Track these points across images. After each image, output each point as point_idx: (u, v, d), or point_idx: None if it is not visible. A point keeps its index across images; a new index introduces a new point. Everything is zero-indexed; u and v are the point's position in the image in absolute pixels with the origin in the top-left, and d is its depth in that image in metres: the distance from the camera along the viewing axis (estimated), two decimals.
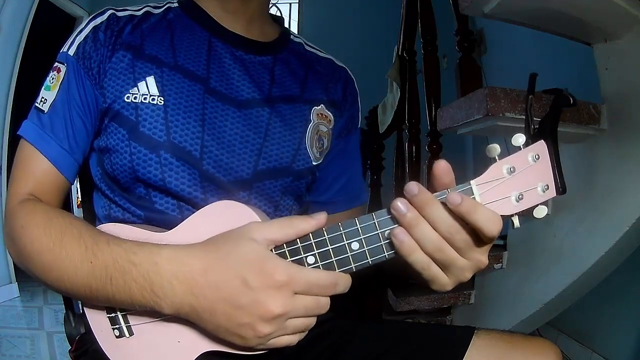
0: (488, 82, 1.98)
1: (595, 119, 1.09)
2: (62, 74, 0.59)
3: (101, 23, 0.61)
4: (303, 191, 0.69)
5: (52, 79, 0.60)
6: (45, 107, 0.59)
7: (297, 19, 4.09)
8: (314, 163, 0.67)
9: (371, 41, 3.53)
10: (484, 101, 1.00)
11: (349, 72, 0.77)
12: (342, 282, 0.45)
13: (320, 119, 0.68)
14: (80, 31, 0.61)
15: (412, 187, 0.42)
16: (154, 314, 0.50)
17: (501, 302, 1.43)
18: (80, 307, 0.54)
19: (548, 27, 1.17)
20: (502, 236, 1.56)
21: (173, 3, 0.67)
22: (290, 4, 4.11)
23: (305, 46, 0.75)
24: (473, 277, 1.72)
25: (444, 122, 1.26)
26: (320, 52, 0.76)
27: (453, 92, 1.75)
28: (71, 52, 0.60)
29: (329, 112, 0.70)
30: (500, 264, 1.43)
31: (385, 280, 0.72)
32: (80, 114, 0.59)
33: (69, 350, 0.65)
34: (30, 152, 0.58)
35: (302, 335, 0.47)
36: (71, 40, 0.61)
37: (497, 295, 1.46)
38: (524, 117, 0.85)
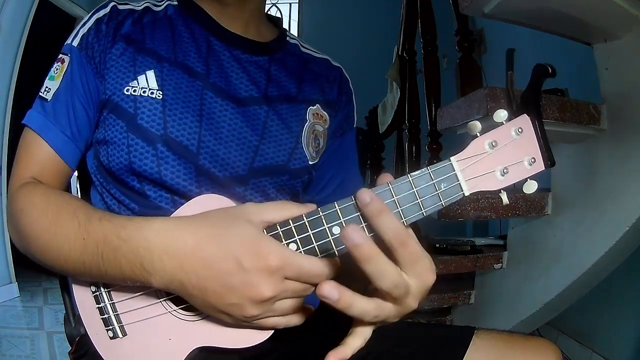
0: (488, 82, 1.98)
1: (595, 119, 1.09)
2: (65, 64, 0.60)
3: (104, 15, 0.62)
4: (299, 190, 0.69)
5: (57, 69, 0.61)
6: (49, 96, 0.60)
7: (297, 19, 4.09)
8: (310, 162, 0.67)
9: (371, 41, 3.53)
10: (484, 101, 1.00)
11: (344, 71, 0.77)
12: (333, 270, 0.44)
13: (316, 119, 0.69)
14: (84, 24, 0.62)
15: (364, 195, 0.39)
16: (146, 311, 0.51)
17: (501, 302, 1.43)
18: None
19: (548, 27, 1.17)
20: (502, 236, 1.56)
21: (173, 2, 0.67)
22: (290, 4, 4.11)
23: (301, 47, 0.75)
24: (473, 278, 1.71)
25: (444, 122, 1.26)
26: (316, 52, 0.77)
27: (453, 92, 1.75)
28: (75, 43, 0.61)
29: (325, 112, 0.71)
30: (500, 264, 1.43)
31: None
32: (82, 102, 0.60)
33: (69, 352, 0.65)
34: (33, 139, 0.59)
35: (289, 320, 0.47)
36: (75, 32, 0.62)
37: (497, 295, 1.46)
38: None
